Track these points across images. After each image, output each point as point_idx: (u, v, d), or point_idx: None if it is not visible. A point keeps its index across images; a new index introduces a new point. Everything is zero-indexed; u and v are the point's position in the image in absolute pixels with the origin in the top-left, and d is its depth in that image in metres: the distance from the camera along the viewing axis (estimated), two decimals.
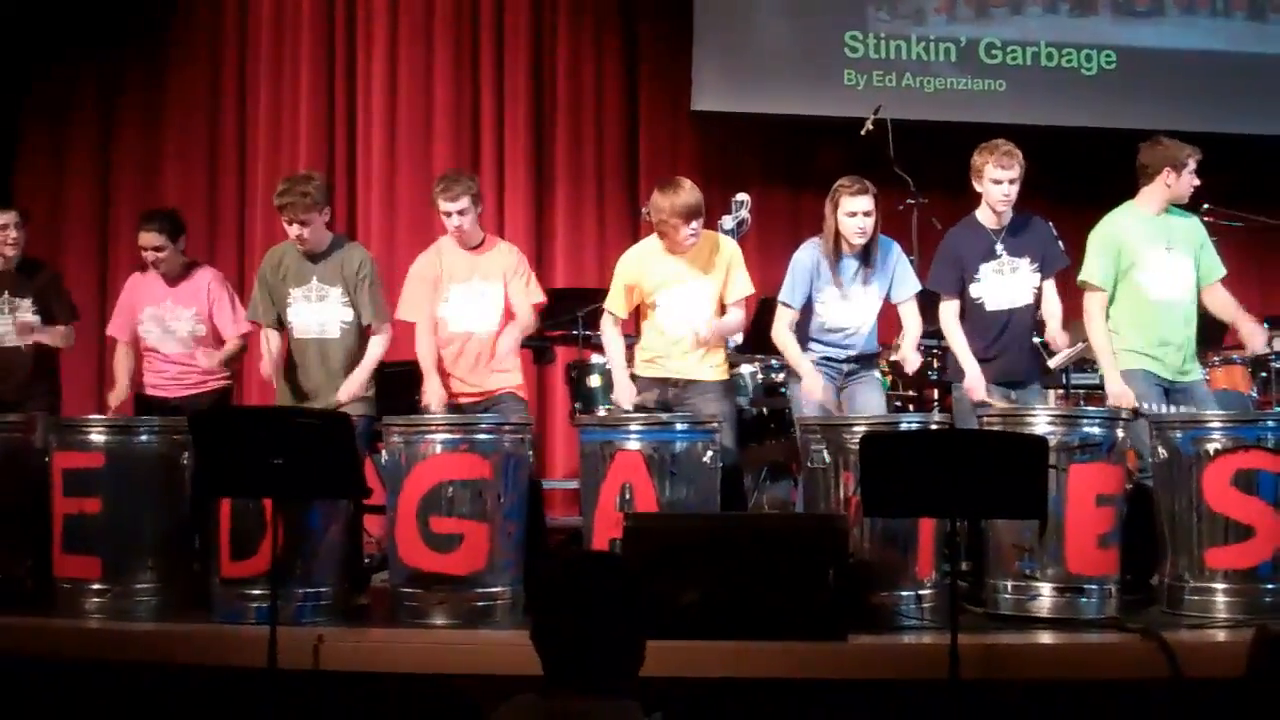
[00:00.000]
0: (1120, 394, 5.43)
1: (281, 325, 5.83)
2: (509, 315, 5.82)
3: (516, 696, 2.66)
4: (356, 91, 9.05)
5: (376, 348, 5.77)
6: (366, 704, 4.48)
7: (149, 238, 6.11)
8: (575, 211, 9.15)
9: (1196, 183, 5.63)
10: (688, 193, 5.50)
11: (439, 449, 4.98)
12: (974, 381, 5.57)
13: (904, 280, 5.77)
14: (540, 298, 5.94)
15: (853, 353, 5.72)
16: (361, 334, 5.79)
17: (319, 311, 5.75)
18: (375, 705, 4.48)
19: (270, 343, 5.81)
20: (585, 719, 2.60)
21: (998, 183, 5.62)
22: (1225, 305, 5.76)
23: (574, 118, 9.20)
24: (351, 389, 5.64)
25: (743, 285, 5.71)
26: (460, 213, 5.71)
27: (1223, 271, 5.78)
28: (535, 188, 9.06)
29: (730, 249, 5.74)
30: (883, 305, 5.77)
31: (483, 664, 4.41)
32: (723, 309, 5.68)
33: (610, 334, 5.77)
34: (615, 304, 5.74)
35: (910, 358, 5.65)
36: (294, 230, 5.68)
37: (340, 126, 9.03)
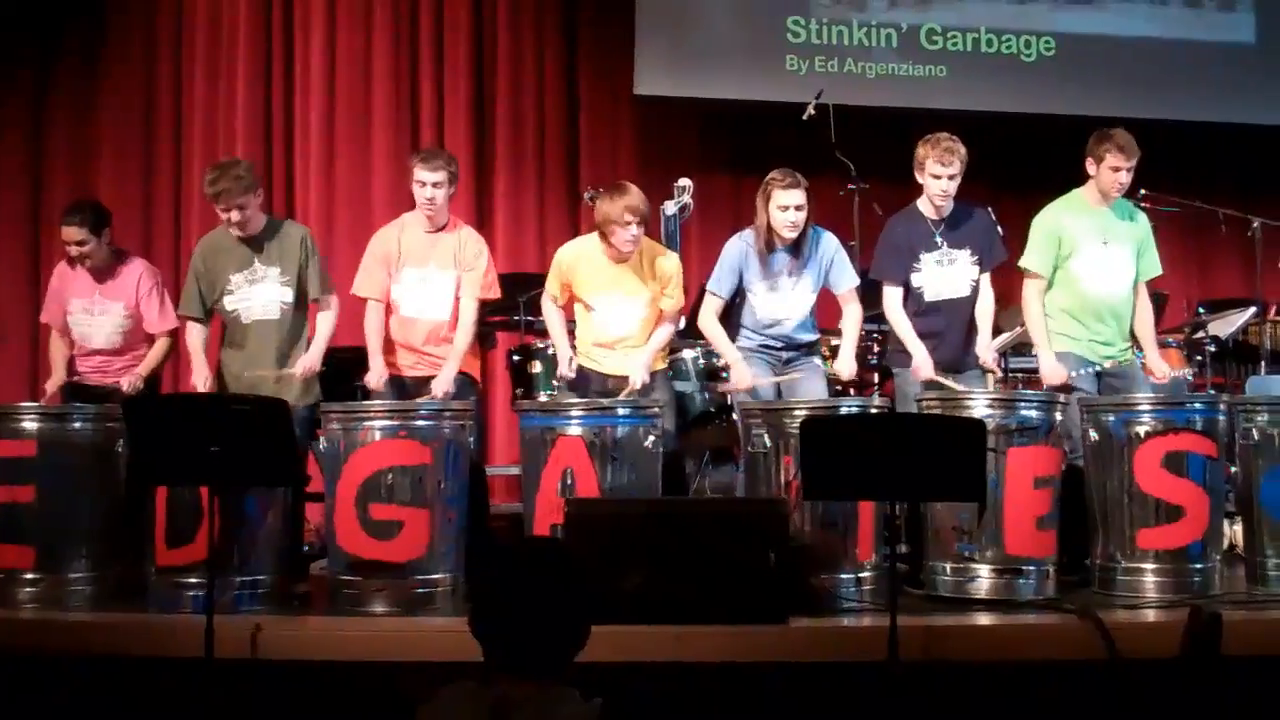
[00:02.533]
0: (1052, 371, 5.50)
1: (210, 316, 5.78)
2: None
3: (455, 683, 2.64)
4: (294, 79, 8.94)
5: (327, 323, 5.74)
6: (305, 693, 4.45)
7: (71, 232, 6.01)
8: (515, 196, 9.10)
9: (1121, 180, 5.66)
10: (631, 198, 5.50)
11: (378, 435, 4.94)
12: (922, 363, 5.60)
13: (842, 273, 5.79)
14: (491, 294, 5.88)
15: (789, 340, 5.74)
16: (301, 314, 5.75)
17: (262, 293, 5.70)
18: (314, 694, 4.45)
19: (192, 337, 5.77)
20: (524, 705, 2.59)
21: (937, 178, 5.66)
22: (1143, 310, 5.82)
23: (514, 102, 9.15)
24: (309, 363, 5.61)
25: (674, 300, 5.74)
26: (435, 185, 5.66)
27: (1158, 272, 5.85)
28: (475, 172, 8.98)
29: (670, 266, 5.73)
30: (823, 292, 5.79)
31: (422, 651, 4.39)
32: (659, 317, 5.71)
33: (550, 310, 5.79)
34: (553, 290, 5.77)
35: (844, 370, 5.71)
36: (232, 216, 5.62)
37: (278, 115, 8.92)
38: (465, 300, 5.73)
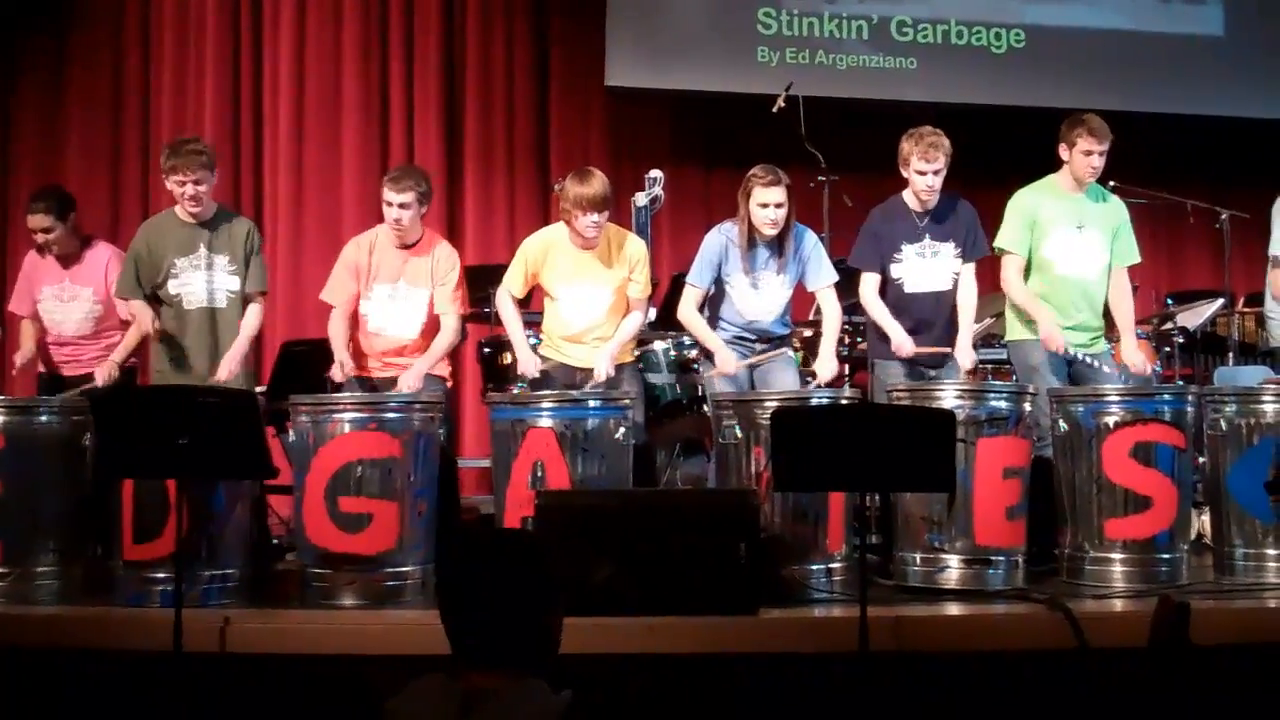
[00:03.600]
0: (1051, 335, 5.55)
1: (157, 301, 5.73)
2: (432, 321, 5.73)
3: (424, 676, 2.63)
4: (263, 70, 8.91)
5: (253, 319, 5.71)
6: (274, 687, 4.43)
7: (36, 219, 6.01)
8: (485, 187, 9.09)
9: (1094, 164, 5.69)
10: (595, 185, 5.50)
11: (348, 428, 4.91)
12: (902, 341, 5.62)
13: (819, 269, 5.79)
14: (466, 309, 5.87)
15: (764, 334, 5.75)
16: (244, 306, 5.73)
17: (208, 280, 5.67)
18: (283, 688, 4.43)
19: (140, 317, 5.71)
20: (492, 698, 2.57)
21: (922, 174, 5.67)
22: (1122, 297, 5.85)
23: (484, 93, 9.14)
24: (230, 365, 5.56)
25: (641, 286, 5.73)
26: (402, 206, 5.61)
27: (1135, 259, 5.88)
28: (446, 164, 8.97)
29: (636, 250, 5.73)
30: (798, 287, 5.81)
31: (392, 644, 4.38)
32: (626, 305, 5.71)
33: (507, 307, 5.75)
34: (514, 283, 5.74)
35: (825, 371, 5.66)
36: (187, 190, 5.58)
37: (246, 105, 8.88)
38: (446, 318, 5.71)
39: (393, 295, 5.69)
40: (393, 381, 5.56)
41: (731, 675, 4.33)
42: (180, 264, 5.66)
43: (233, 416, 4.29)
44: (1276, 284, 6.03)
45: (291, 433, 5.08)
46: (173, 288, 5.67)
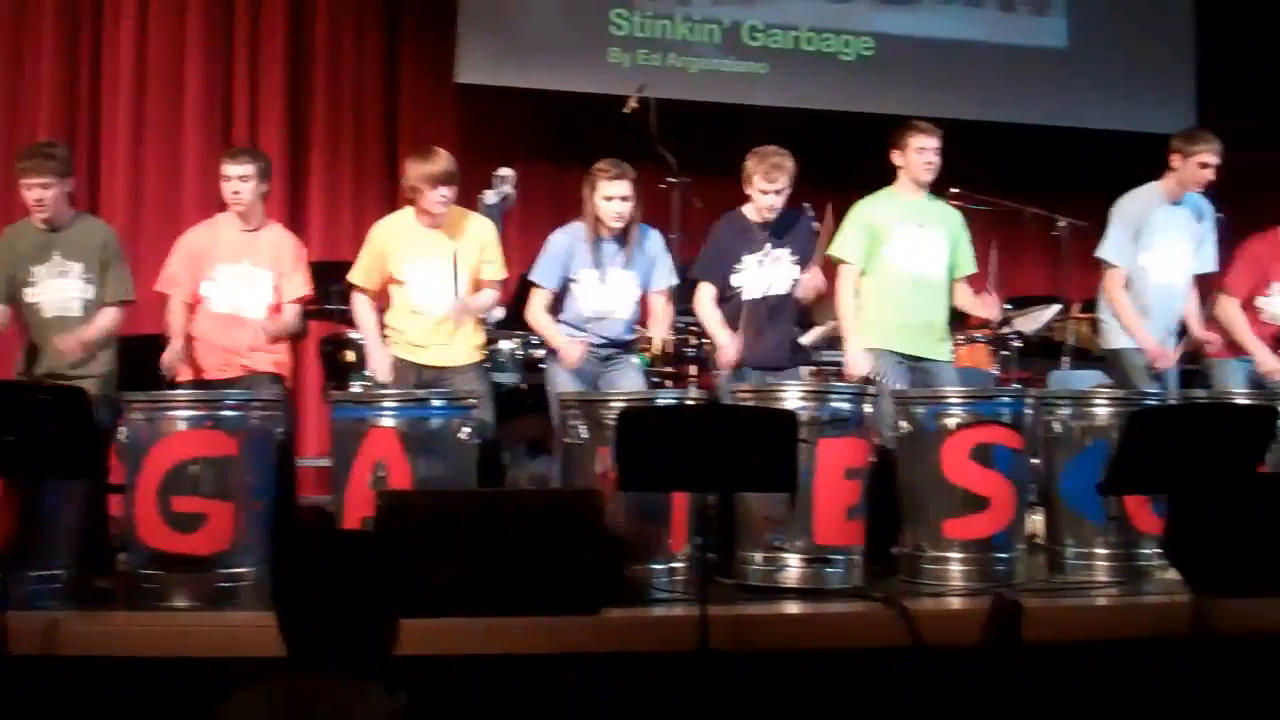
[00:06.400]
0: (854, 360, 5.64)
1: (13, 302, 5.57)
2: (279, 301, 5.69)
3: (256, 681, 2.59)
4: (102, 62, 8.60)
5: (104, 320, 5.55)
6: (104, 690, 4.31)
7: None
8: (332, 184, 8.93)
9: (929, 160, 5.80)
10: (440, 160, 5.49)
11: (182, 425, 4.80)
12: (727, 348, 5.66)
13: (663, 271, 5.83)
14: (308, 291, 5.81)
15: (610, 338, 5.74)
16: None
17: (62, 288, 5.51)
18: (114, 691, 4.31)
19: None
20: (326, 702, 2.55)
21: (764, 193, 5.73)
22: (965, 298, 5.98)
23: (332, 87, 8.98)
24: (70, 343, 5.41)
25: (497, 266, 5.70)
26: (241, 178, 5.57)
27: (972, 269, 6.00)
28: (290, 159, 8.78)
29: (485, 228, 5.72)
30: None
31: (226, 646, 4.27)
32: (477, 288, 5.66)
33: (362, 308, 5.69)
34: (362, 276, 5.67)
35: (658, 336, 5.77)
36: (34, 195, 5.43)
37: (84, 99, 8.57)
38: (288, 305, 5.67)
39: (237, 274, 5.62)
40: (232, 384, 5.47)
41: (573, 675, 4.31)
42: (36, 272, 5.51)
43: (62, 414, 4.17)
44: (1106, 286, 6.20)
45: (123, 430, 4.93)
46: (29, 295, 5.52)
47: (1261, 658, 4.59)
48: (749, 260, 5.81)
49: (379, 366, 5.58)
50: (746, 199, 5.86)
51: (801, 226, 5.93)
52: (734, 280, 5.81)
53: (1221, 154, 6.10)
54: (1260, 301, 6.40)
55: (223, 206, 5.84)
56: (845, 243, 5.82)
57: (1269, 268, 6.39)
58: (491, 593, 4.39)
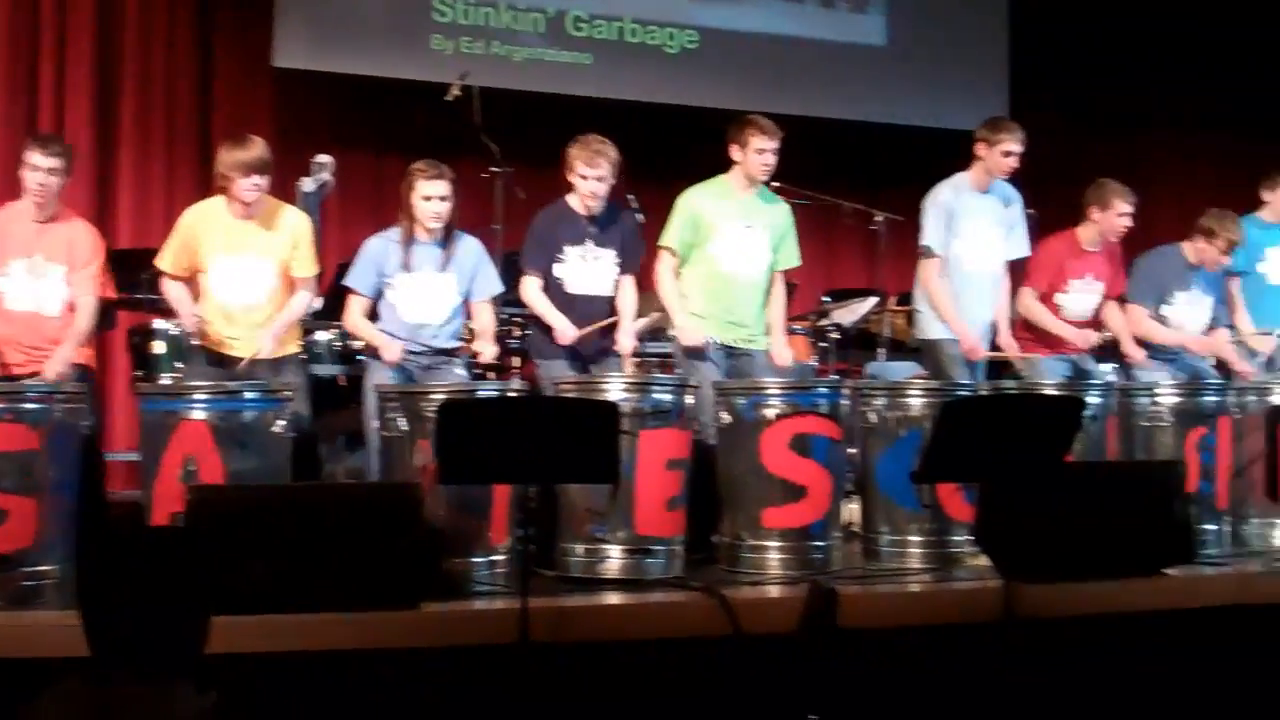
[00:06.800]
0: (685, 330, 5.75)
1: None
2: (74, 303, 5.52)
3: (60, 682, 2.52)
4: None
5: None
6: None
7: None
8: (142, 171, 8.66)
9: (766, 162, 5.86)
10: (254, 148, 5.37)
11: None
12: (563, 328, 5.69)
13: (486, 280, 5.79)
14: (106, 293, 5.65)
15: (432, 345, 5.67)
16: None
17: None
18: None
19: None
20: (133, 704, 2.48)
21: (585, 179, 5.73)
22: (777, 298, 6.05)
23: (142, 70, 8.70)
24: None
25: (309, 263, 5.59)
26: (50, 171, 5.39)
27: (796, 263, 6.10)
28: (98, 145, 8.49)
29: (299, 222, 5.60)
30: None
31: (29, 648, 4.10)
32: (290, 284, 5.56)
33: (171, 285, 5.54)
34: (170, 263, 5.52)
35: (488, 352, 5.71)
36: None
37: None
38: (84, 297, 5.49)
39: (31, 270, 5.44)
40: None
41: (392, 671, 4.26)
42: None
43: None
44: (923, 276, 6.34)
45: None
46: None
47: (1067, 640, 4.75)
48: (571, 252, 5.80)
49: (186, 320, 5.48)
50: (570, 189, 5.85)
51: (627, 227, 5.96)
52: (556, 271, 5.80)
53: (1024, 142, 6.29)
54: (1059, 299, 6.60)
55: (14, 195, 5.62)
56: (672, 234, 5.88)
57: (1066, 266, 6.60)
58: (307, 589, 4.29)
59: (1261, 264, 6.99)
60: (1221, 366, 6.79)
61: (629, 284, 5.93)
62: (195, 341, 5.47)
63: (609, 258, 5.86)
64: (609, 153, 5.74)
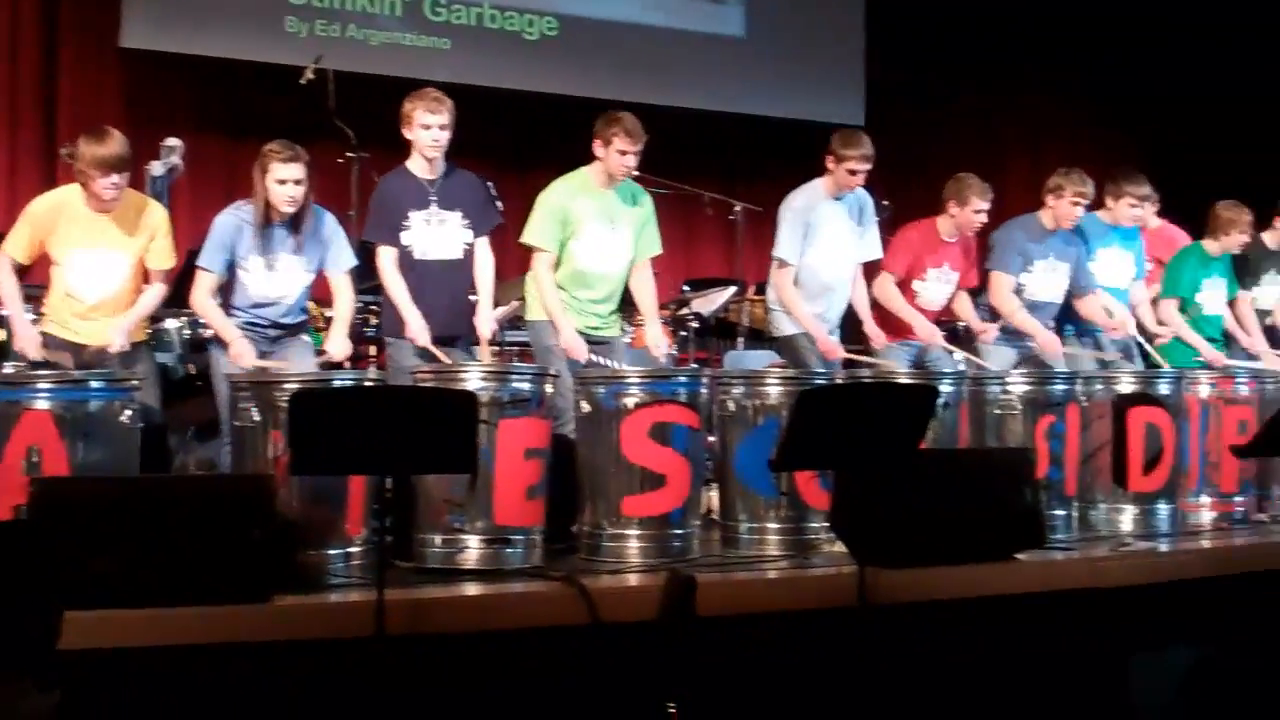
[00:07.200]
0: (573, 346, 5.71)
1: None
2: None
3: None
4: None
5: None
6: None
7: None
8: None
9: (628, 164, 5.85)
10: (112, 144, 5.21)
11: None
12: (418, 330, 5.57)
13: (340, 253, 5.67)
14: None
15: (278, 321, 5.59)
16: None
17: None
18: None
19: None
20: None
21: (427, 128, 5.63)
22: (645, 286, 6.07)
23: None
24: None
25: (166, 255, 5.48)
26: None
27: (658, 251, 6.12)
28: None
29: (158, 216, 5.48)
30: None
31: None
32: (144, 279, 5.44)
33: (6, 278, 5.37)
34: (16, 247, 5.36)
35: (338, 350, 5.60)
36: None
37: None
38: None
39: None
40: None
41: (244, 665, 4.17)
42: None
43: None
44: (779, 284, 6.43)
45: None
46: None
47: (922, 624, 4.83)
48: (416, 218, 5.69)
49: (23, 337, 5.29)
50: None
51: (473, 187, 5.87)
52: (404, 238, 5.68)
53: (871, 159, 6.41)
54: (916, 285, 6.77)
55: None
56: (541, 231, 5.83)
57: (923, 254, 6.75)
58: (157, 582, 4.19)
59: (1092, 263, 7.13)
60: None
61: (484, 250, 5.81)
62: (36, 358, 5.28)
63: (455, 219, 5.74)
64: (449, 102, 5.65)
